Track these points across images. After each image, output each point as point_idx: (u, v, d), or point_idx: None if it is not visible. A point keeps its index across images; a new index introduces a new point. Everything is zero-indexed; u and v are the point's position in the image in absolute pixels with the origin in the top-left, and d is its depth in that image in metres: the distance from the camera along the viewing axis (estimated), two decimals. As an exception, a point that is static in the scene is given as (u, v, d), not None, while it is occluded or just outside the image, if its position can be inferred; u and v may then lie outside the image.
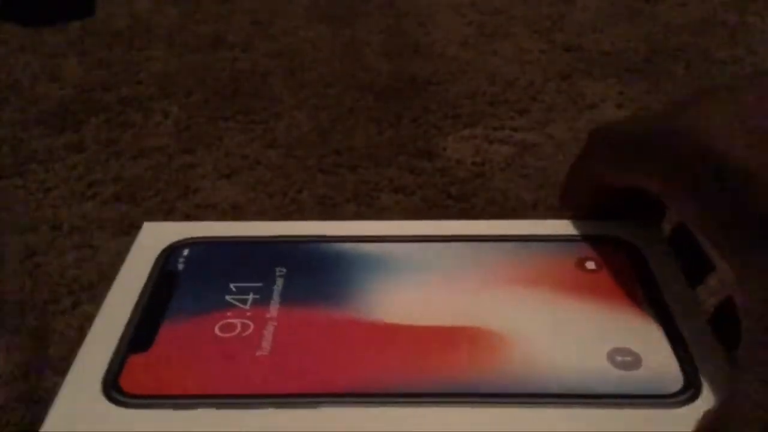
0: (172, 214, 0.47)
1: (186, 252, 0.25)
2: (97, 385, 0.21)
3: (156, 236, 0.26)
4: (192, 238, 0.26)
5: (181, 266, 0.24)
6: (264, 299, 0.23)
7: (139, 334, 0.22)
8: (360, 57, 0.62)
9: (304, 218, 0.47)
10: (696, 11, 0.69)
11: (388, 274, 0.24)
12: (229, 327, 0.22)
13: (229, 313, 0.22)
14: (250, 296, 0.23)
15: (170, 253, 0.25)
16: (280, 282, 0.23)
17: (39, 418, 0.35)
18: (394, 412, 0.20)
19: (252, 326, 0.22)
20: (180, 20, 0.69)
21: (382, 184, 0.48)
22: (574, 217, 0.25)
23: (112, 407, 0.20)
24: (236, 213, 0.47)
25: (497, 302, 0.23)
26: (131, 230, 0.46)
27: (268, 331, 0.22)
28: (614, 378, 0.21)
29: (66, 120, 0.55)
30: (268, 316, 0.22)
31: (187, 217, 0.47)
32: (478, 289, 0.23)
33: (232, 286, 0.23)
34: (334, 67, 0.61)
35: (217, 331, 0.22)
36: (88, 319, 0.40)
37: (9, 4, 0.70)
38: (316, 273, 0.24)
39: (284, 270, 0.24)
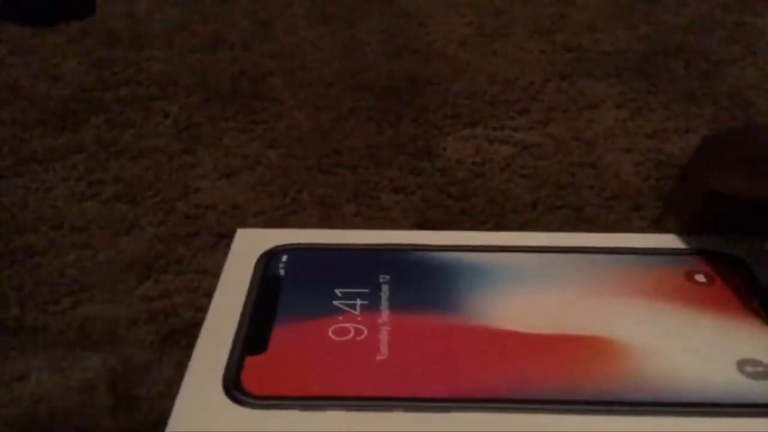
0: (172, 214, 0.47)
1: (285, 258, 0.25)
2: (219, 386, 0.21)
3: (251, 243, 0.26)
4: (288, 244, 0.25)
5: (282, 271, 0.24)
6: (373, 305, 0.22)
7: (254, 337, 0.22)
8: (360, 57, 0.62)
9: (303, 218, 0.47)
10: (696, 11, 0.69)
11: (498, 283, 0.23)
12: (343, 331, 0.22)
13: (340, 318, 0.22)
14: (358, 302, 0.22)
15: (269, 258, 0.25)
16: (385, 288, 0.23)
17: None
18: (521, 418, 0.19)
19: (366, 331, 0.21)
20: (180, 20, 0.69)
21: (382, 184, 0.48)
22: (678, 231, 0.25)
23: (237, 407, 0.20)
24: (236, 213, 0.47)
25: (614, 312, 0.22)
26: (131, 230, 0.46)
27: (383, 336, 0.21)
28: (746, 387, 0.20)
29: (66, 120, 0.55)
30: (380, 321, 0.22)
31: (188, 218, 0.47)
32: (592, 298, 0.22)
33: (337, 291, 0.23)
34: (334, 67, 0.61)
35: (331, 334, 0.22)
36: (89, 319, 0.41)
37: (9, 4, 0.70)
38: (421, 280, 0.23)
39: (388, 277, 0.23)
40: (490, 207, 0.47)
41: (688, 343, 0.22)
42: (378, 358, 0.21)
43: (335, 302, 0.23)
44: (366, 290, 0.23)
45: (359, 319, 0.22)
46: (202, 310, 0.43)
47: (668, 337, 0.22)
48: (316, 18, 0.69)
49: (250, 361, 0.21)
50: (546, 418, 0.20)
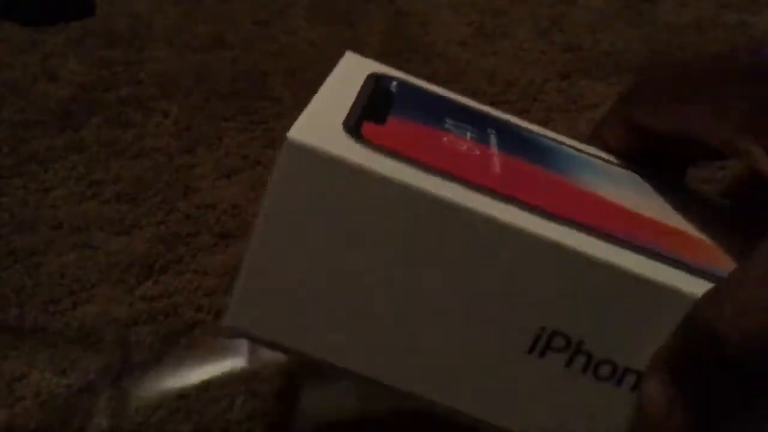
0: (172, 214, 0.47)
1: (394, 82, 0.24)
2: (339, 125, 0.21)
3: (357, 65, 0.26)
4: (397, 76, 0.25)
5: (393, 89, 0.24)
6: (482, 140, 0.22)
7: (371, 110, 0.22)
8: (360, 57, 0.62)
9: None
10: (696, 11, 0.69)
11: (599, 172, 0.23)
12: (456, 142, 0.22)
13: (452, 135, 0.22)
14: (468, 133, 0.22)
15: (378, 77, 0.25)
16: (493, 135, 0.23)
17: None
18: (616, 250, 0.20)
19: (478, 152, 0.21)
20: (180, 20, 0.69)
21: (382, 184, 0.48)
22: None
23: (354, 143, 0.20)
24: (236, 213, 0.47)
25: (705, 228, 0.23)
26: (131, 230, 0.46)
27: (495, 160, 0.21)
28: None
29: (66, 120, 0.55)
30: (489, 152, 0.22)
31: (187, 217, 0.47)
32: (681, 213, 0.23)
33: (448, 120, 0.23)
34: (334, 67, 0.61)
35: (444, 141, 0.21)
36: (89, 319, 0.41)
37: (9, 4, 0.70)
38: (527, 142, 0.23)
39: (493, 131, 0.23)
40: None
41: None
42: (492, 169, 0.21)
43: (448, 124, 0.23)
44: (475, 128, 0.23)
45: (471, 143, 0.22)
46: (202, 310, 0.43)
47: None
48: (316, 18, 0.69)
49: (368, 125, 0.21)
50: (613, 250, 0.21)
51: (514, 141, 0.23)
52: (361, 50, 0.68)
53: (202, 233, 0.45)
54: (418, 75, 0.66)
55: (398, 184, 0.19)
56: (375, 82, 0.24)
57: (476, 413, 0.20)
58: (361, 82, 0.25)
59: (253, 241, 0.22)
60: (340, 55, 0.59)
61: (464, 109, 0.25)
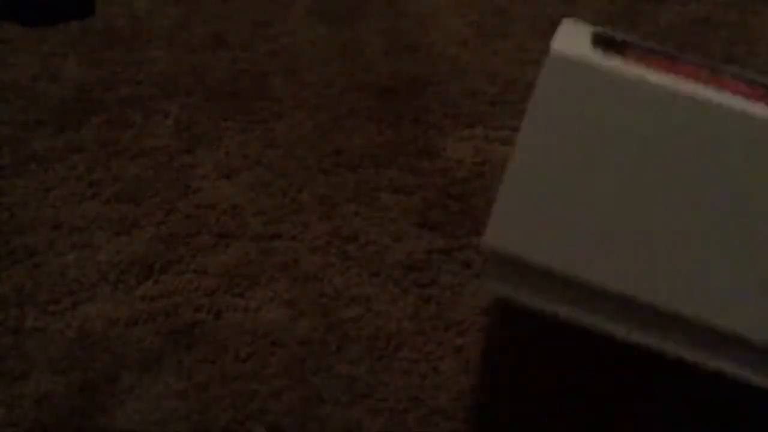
0: (172, 214, 0.47)
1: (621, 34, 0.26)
2: (589, 45, 0.22)
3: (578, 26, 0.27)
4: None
5: (622, 36, 0.26)
6: (716, 72, 0.24)
7: (611, 41, 0.22)
8: (360, 57, 0.62)
9: (303, 218, 0.47)
10: (696, 11, 0.69)
11: None
12: (692, 69, 0.23)
13: (689, 65, 0.23)
14: (702, 68, 0.25)
15: (604, 31, 0.26)
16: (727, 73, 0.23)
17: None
18: None
19: (712, 74, 0.22)
20: (180, 20, 0.69)
21: (382, 184, 0.48)
22: None
23: (609, 57, 0.21)
24: (236, 213, 0.47)
25: None
26: (131, 230, 0.46)
27: (727, 83, 0.22)
28: None
29: (66, 120, 0.55)
30: (723, 79, 0.23)
31: (187, 217, 0.47)
32: None
33: (681, 57, 0.25)
34: (334, 67, 0.61)
35: (681, 66, 0.22)
36: (89, 319, 0.41)
37: (9, 4, 0.70)
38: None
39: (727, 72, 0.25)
40: (490, 207, 0.47)
41: None
42: (727, 87, 0.22)
43: (682, 60, 0.24)
44: (710, 66, 0.25)
45: (706, 72, 0.24)
46: (202, 310, 0.43)
47: None
48: (316, 18, 0.69)
49: (609, 54, 0.22)
50: None
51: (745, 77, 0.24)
52: (361, 50, 0.68)
53: (202, 233, 0.45)
54: (418, 75, 0.66)
55: (656, 85, 0.20)
56: (603, 32, 0.26)
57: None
58: (589, 32, 0.26)
59: (513, 159, 0.23)
60: (340, 55, 0.59)
61: (695, 61, 0.26)
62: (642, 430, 0.39)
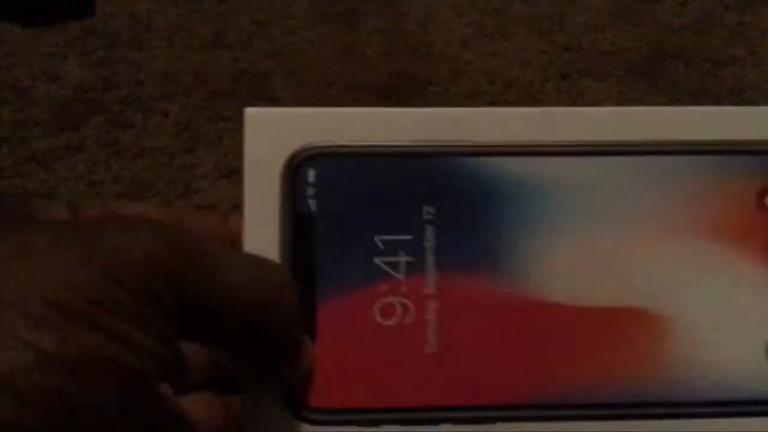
0: (172, 214, 0.47)
1: (312, 177, 0.21)
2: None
3: (269, 140, 0.22)
4: (315, 147, 0.21)
5: (313, 206, 0.21)
6: (418, 264, 0.20)
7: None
8: (360, 57, 0.62)
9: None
10: (696, 11, 0.69)
11: (547, 214, 0.21)
12: (389, 310, 0.20)
13: (384, 287, 0.20)
14: (402, 259, 0.21)
15: (295, 180, 0.21)
16: (430, 232, 0.21)
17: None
18: (562, 426, 0.19)
19: (412, 309, 0.20)
20: (180, 20, 0.69)
21: (382, 184, 0.48)
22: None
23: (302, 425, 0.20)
24: (236, 213, 0.47)
25: (669, 265, 0.20)
26: (131, 230, 0.46)
27: (431, 316, 0.20)
28: None
29: (66, 120, 0.55)
30: (426, 291, 0.20)
31: (187, 217, 0.47)
32: (649, 242, 0.21)
33: (378, 240, 0.21)
34: (334, 67, 0.60)
35: (377, 316, 0.20)
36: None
37: (9, 4, 0.70)
38: (468, 215, 0.21)
39: (432, 211, 0.21)
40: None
41: (728, 316, 0.20)
42: (426, 351, 0.20)
43: (377, 260, 0.21)
44: (409, 236, 0.21)
45: (404, 288, 0.21)
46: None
47: (712, 307, 0.20)
48: (316, 18, 0.69)
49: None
50: (569, 426, 0.20)
51: (453, 233, 0.21)
52: (361, 50, 0.68)
53: (202, 233, 0.45)
54: (418, 75, 0.66)
55: None
56: (292, 202, 0.22)
57: None
58: (277, 208, 0.22)
59: None
60: (340, 55, 0.59)
61: (401, 184, 0.22)
62: None
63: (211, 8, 0.71)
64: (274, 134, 0.22)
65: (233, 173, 0.50)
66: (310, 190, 0.22)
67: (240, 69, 0.61)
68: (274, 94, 0.58)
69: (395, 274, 0.21)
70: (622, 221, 0.21)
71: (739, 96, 0.57)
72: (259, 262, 0.20)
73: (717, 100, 0.56)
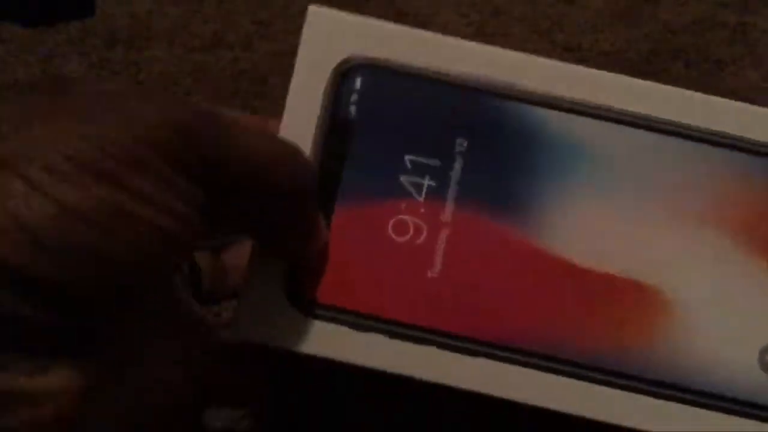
0: (172, 214, 0.47)
1: (359, 85, 0.22)
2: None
3: (325, 42, 0.23)
4: (369, 57, 0.22)
5: (353, 113, 0.22)
6: (439, 191, 0.21)
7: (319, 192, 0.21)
8: (360, 57, 0.62)
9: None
10: (696, 11, 0.69)
11: (576, 175, 0.21)
12: (402, 227, 0.21)
13: (403, 205, 0.21)
14: (426, 182, 0.21)
15: (342, 84, 0.22)
16: (458, 164, 0.21)
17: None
18: (539, 378, 0.19)
19: (425, 231, 0.21)
20: (180, 20, 0.69)
21: (382, 184, 0.48)
22: None
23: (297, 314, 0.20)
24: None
25: (682, 250, 0.21)
26: (131, 230, 0.46)
27: (441, 242, 0.21)
28: (764, 384, 0.19)
29: (66, 120, 0.55)
30: (442, 219, 0.21)
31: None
32: (668, 224, 0.21)
33: (407, 159, 0.21)
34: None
35: (390, 230, 0.21)
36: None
37: (9, 4, 0.70)
38: (497, 156, 0.22)
39: (465, 144, 0.22)
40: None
41: (727, 313, 0.20)
42: (429, 275, 0.21)
43: (402, 178, 0.21)
44: (438, 163, 0.21)
45: (422, 210, 0.21)
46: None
47: (713, 299, 0.20)
48: (316, 18, 0.69)
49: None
50: (559, 381, 0.20)
51: (480, 172, 0.21)
52: (361, 50, 0.67)
53: (202, 233, 0.45)
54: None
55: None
56: (334, 107, 0.23)
57: None
58: (318, 107, 0.23)
59: None
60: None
61: (441, 109, 0.23)
62: None
63: (211, 8, 0.71)
64: (331, 37, 0.23)
65: (233, 173, 0.50)
66: (354, 97, 0.22)
67: (240, 69, 0.61)
68: (274, 94, 0.58)
69: (416, 196, 0.21)
70: (647, 198, 0.21)
71: (739, 96, 0.57)
72: (275, 135, 0.21)
73: (717, 100, 0.56)
